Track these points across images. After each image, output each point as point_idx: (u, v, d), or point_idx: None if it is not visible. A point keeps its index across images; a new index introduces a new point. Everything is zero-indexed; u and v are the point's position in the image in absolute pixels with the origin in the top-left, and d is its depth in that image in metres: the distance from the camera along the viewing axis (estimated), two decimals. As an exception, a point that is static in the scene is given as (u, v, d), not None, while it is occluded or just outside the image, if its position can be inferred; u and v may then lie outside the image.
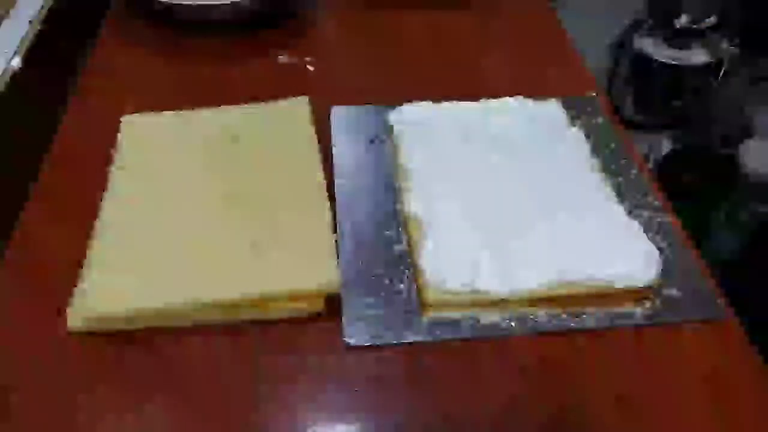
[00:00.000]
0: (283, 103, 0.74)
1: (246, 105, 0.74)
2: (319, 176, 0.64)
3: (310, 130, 0.70)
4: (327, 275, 0.55)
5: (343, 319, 0.54)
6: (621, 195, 0.65)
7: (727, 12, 1.47)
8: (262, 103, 0.74)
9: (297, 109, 0.73)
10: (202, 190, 0.62)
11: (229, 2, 0.84)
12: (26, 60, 0.70)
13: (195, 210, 0.61)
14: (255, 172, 0.65)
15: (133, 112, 0.73)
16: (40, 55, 0.74)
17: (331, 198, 0.64)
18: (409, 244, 0.60)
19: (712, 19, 1.49)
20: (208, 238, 0.58)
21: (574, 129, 0.71)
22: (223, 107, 0.74)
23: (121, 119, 0.71)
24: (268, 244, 0.57)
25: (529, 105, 0.74)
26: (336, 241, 0.58)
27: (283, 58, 0.85)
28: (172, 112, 0.72)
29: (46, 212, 0.64)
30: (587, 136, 0.70)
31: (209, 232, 0.58)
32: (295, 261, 0.56)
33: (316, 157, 0.66)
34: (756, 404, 0.50)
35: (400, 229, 0.62)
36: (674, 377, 0.52)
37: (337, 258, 0.57)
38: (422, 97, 0.75)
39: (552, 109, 0.74)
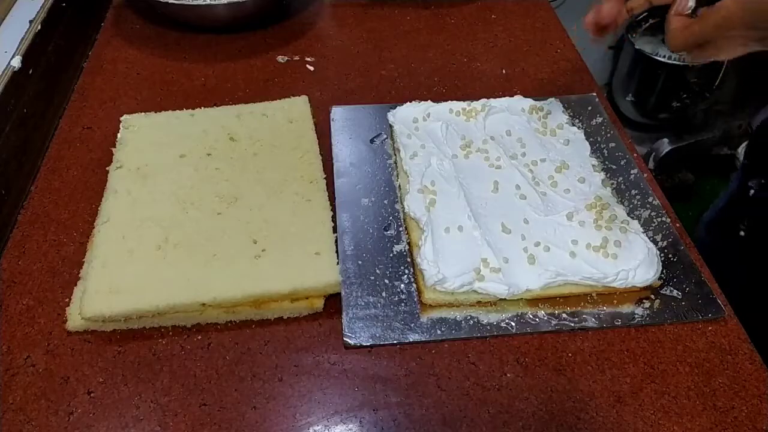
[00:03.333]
0: (282, 102, 0.74)
1: (245, 104, 0.74)
2: (319, 176, 0.64)
3: (310, 129, 0.70)
4: (327, 275, 0.55)
5: (343, 319, 0.54)
6: (621, 195, 0.65)
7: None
8: (262, 102, 0.74)
9: (297, 108, 0.73)
10: (202, 190, 0.62)
11: (228, 2, 0.84)
12: (26, 60, 0.70)
13: (195, 210, 0.61)
14: (255, 172, 0.65)
15: (133, 112, 0.73)
16: (40, 55, 0.74)
17: (331, 198, 0.64)
18: (409, 244, 0.60)
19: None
20: (209, 238, 0.58)
21: (574, 128, 0.71)
22: (222, 107, 0.74)
23: (121, 119, 0.71)
24: (269, 244, 0.57)
25: (529, 104, 0.74)
26: (336, 241, 0.58)
27: (283, 58, 0.85)
28: (171, 111, 0.73)
29: (45, 212, 0.64)
30: (587, 136, 0.70)
31: (209, 231, 0.58)
32: (295, 261, 0.56)
33: (316, 157, 0.66)
34: (756, 402, 0.50)
35: (400, 229, 0.62)
36: (674, 376, 0.52)
37: (337, 258, 0.57)
38: (422, 97, 0.75)
39: (552, 108, 0.74)
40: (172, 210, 0.61)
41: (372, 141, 0.72)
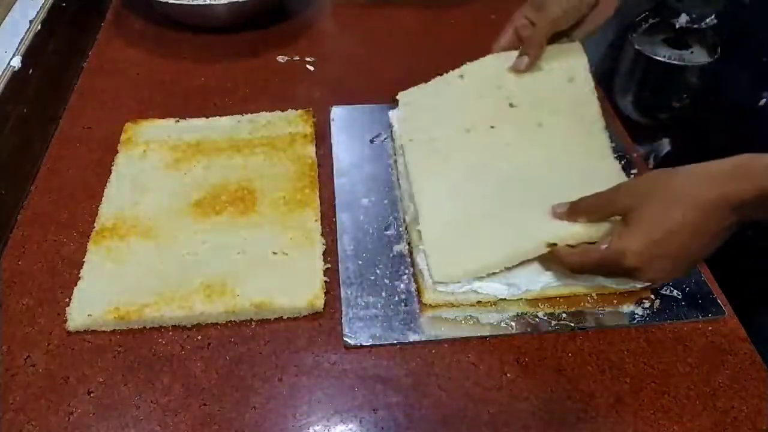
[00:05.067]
0: (558, 50, 0.69)
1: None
2: (608, 153, 0.62)
3: (591, 93, 0.67)
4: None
5: (343, 319, 0.54)
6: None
7: (727, 12, 1.46)
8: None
9: (573, 60, 0.70)
10: (493, 167, 0.62)
11: (228, 2, 0.84)
12: (26, 60, 0.70)
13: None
14: (545, 148, 0.63)
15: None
16: (40, 55, 0.74)
17: (331, 198, 0.64)
18: (409, 244, 0.60)
19: (712, 20, 1.49)
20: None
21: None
22: (493, 57, 0.70)
23: (398, 97, 0.71)
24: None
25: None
26: (336, 243, 0.58)
27: (283, 58, 0.85)
28: (439, 77, 0.71)
29: (45, 212, 0.64)
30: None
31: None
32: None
33: (601, 129, 0.64)
34: (756, 402, 0.50)
35: (400, 229, 0.62)
36: (674, 376, 0.51)
37: (337, 257, 0.57)
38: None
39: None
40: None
41: (372, 141, 0.72)
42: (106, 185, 0.64)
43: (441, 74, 0.71)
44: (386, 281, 0.57)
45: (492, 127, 0.65)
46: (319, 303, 0.55)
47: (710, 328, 0.55)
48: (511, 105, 0.66)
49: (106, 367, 0.52)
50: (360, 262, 0.58)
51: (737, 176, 0.46)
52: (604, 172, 0.60)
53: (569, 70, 0.68)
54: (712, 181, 0.47)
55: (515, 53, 0.68)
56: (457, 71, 0.70)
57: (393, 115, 0.72)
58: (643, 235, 0.48)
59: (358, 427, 0.49)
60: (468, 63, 0.70)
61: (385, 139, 0.71)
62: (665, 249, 0.48)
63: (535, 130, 0.65)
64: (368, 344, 0.53)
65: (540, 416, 0.49)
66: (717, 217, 0.47)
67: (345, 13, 0.95)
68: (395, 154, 0.69)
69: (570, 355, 0.53)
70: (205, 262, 0.57)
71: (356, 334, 0.53)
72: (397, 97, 0.71)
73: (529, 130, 0.64)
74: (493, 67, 0.69)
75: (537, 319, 0.55)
